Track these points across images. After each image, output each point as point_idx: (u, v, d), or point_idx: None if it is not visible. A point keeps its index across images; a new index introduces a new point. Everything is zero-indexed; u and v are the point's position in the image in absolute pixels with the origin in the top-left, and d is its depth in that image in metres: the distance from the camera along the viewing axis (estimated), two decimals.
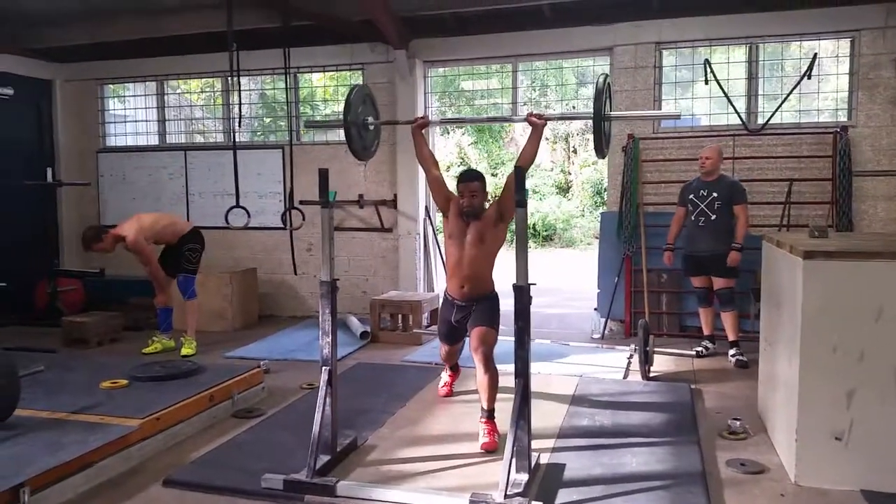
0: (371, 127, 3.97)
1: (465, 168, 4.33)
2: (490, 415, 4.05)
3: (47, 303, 7.68)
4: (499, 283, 4.26)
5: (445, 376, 4.93)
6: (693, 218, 5.84)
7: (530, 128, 4.08)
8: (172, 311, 6.53)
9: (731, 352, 5.77)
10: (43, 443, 3.53)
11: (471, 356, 4.15)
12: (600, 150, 3.79)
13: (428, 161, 4.33)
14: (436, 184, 4.27)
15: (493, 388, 4.05)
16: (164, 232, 6.30)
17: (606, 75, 3.72)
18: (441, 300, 4.49)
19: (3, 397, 3.78)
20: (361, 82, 7.73)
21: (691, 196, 5.85)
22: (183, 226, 6.48)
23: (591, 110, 3.60)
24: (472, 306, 4.16)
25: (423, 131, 4.40)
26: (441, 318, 4.45)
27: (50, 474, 3.24)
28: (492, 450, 3.84)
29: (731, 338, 5.81)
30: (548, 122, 4.15)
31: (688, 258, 5.95)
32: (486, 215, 4.09)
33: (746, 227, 5.68)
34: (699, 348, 5.99)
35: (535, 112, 4.10)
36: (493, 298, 4.21)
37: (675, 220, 6.06)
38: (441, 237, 8.09)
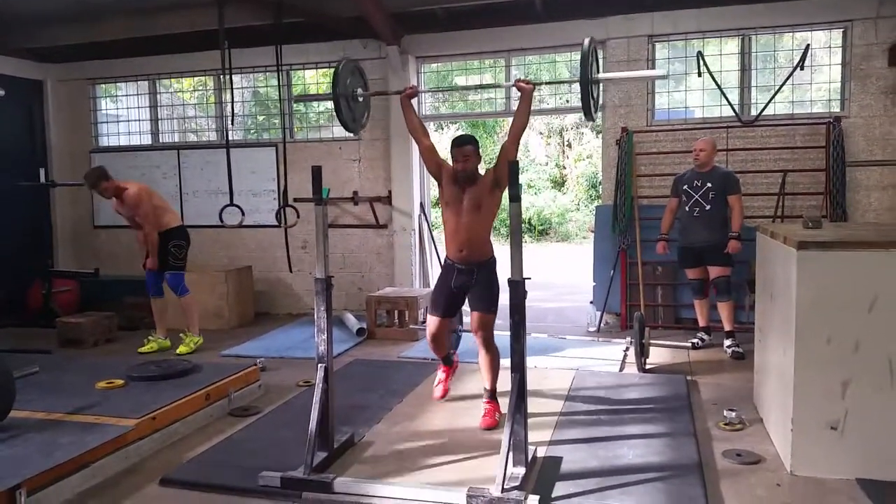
0: (360, 99, 3.94)
1: (458, 135, 4.30)
2: (492, 395, 4.18)
3: (42, 304, 7.66)
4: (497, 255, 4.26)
5: (440, 373, 4.66)
6: (687, 209, 5.83)
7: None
8: (163, 276, 6.34)
9: (727, 343, 5.79)
10: (39, 444, 3.53)
11: (473, 350, 4.17)
12: (589, 113, 3.75)
13: (418, 130, 4.25)
14: (427, 152, 4.22)
15: (495, 367, 4.17)
16: (156, 212, 6.18)
17: (592, 38, 3.67)
18: (441, 268, 4.39)
19: None
20: None
21: (685, 187, 5.85)
22: (172, 217, 6.38)
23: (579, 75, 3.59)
24: (473, 274, 4.12)
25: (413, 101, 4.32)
26: (439, 284, 4.30)
27: (46, 475, 3.23)
28: (491, 427, 3.96)
29: (727, 328, 5.83)
30: (535, 88, 4.10)
31: (683, 249, 5.96)
32: (483, 181, 4.05)
33: (742, 216, 5.71)
34: (694, 340, 6.01)
35: (523, 78, 4.11)
36: (493, 267, 4.19)
37: (667, 211, 6.06)
38: (437, 232, 8.10)
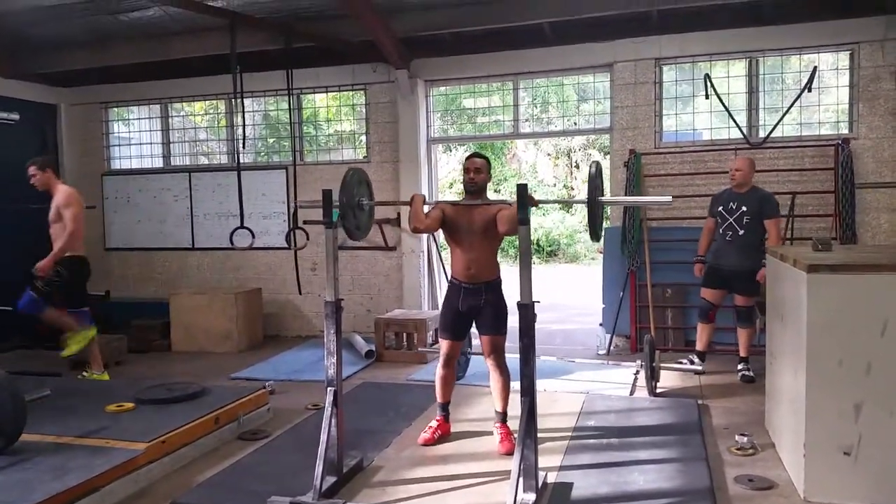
0: (365, 208, 3.98)
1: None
2: (503, 418, 4.17)
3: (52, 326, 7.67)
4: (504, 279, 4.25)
5: (434, 422, 4.39)
6: (721, 231, 5.66)
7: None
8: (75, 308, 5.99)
9: (740, 367, 5.74)
10: (49, 468, 3.54)
11: (480, 373, 4.13)
12: (594, 234, 3.61)
13: (431, 228, 4.19)
14: (436, 222, 4.15)
15: (506, 389, 4.15)
16: (71, 228, 5.85)
17: (598, 163, 3.59)
18: (446, 288, 4.34)
19: (9, 422, 3.78)
20: (364, 102, 7.80)
21: (720, 208, 5.68)
22: (77, 246, 6.00)
23: (586, 196, 3.39)
24: (481, 295, 4.09)
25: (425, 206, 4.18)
26: (446, 307, 4.26)
27: (56, 499, 3.23)
28: (511, 452, 3.82)
29: (742, 353, 5.76)
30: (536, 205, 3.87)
31: (710, 268, 5.79)
32: (488, 210, 4.05)
33: (779, 243, 5.45)
34: (685, 361, 5.94)
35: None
36: (500, 287, 4.19)
37: (704, 232, 5.89)
38: (445, 254, 8.11)
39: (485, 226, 4.03)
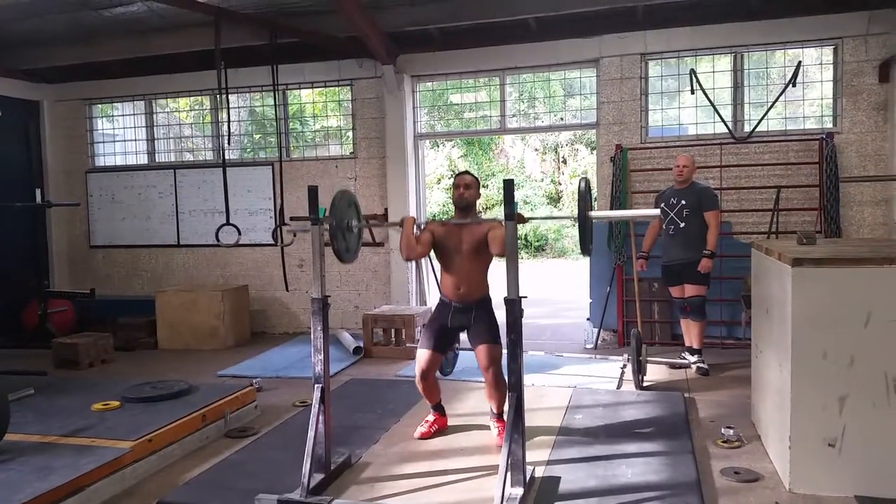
0: (355, 230, 3.96)
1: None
2: (500, 415, 4.20)
3: (37, 324, 7.63)
4: (492, 294, 4.22)
5: (430, 416, 4.41)
6: (664, 226, 5.81)
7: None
8: None
9: (693, 359, 5.77)
10: (34, 467, 3.51)
11: (469, 368, 4.13)
12: (585, 249, 3.60)
13: (422, 254, 4.22)
14: (426, 246, 4.14)
15: (503, 395, 4.10)
16: None
17: (587, 180, 3.54)
18: (435, 306, 4.38)
19: None
20: (350, 98, 7.77)
21: (662, 205, 5.80)
22: None
23: (577, 212, 3.36)
24: (471, 313, 4.13)
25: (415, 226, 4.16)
26: (432, 320, 4.27)
27: (42, 499, 3.20)
28: None
29: (694, 345, 5.78)
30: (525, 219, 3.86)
31: (664, 268, 5.92)
32: (479, 229, 4.08)
33: (717, 233, 5.60)
34: (679, 358, 5.97)
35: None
36: (489, 305, 4.20)
37: (649, 229, 6.04)
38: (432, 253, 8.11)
39: (475, 245, 4.06)
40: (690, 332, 5.79)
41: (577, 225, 3.34)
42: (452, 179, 4.25)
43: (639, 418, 4.58)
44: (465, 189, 4.12)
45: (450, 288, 4.17)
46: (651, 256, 6.01)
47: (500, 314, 3.59)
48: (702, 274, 5.59)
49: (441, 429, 4.38)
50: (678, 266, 5.74)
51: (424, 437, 4.27)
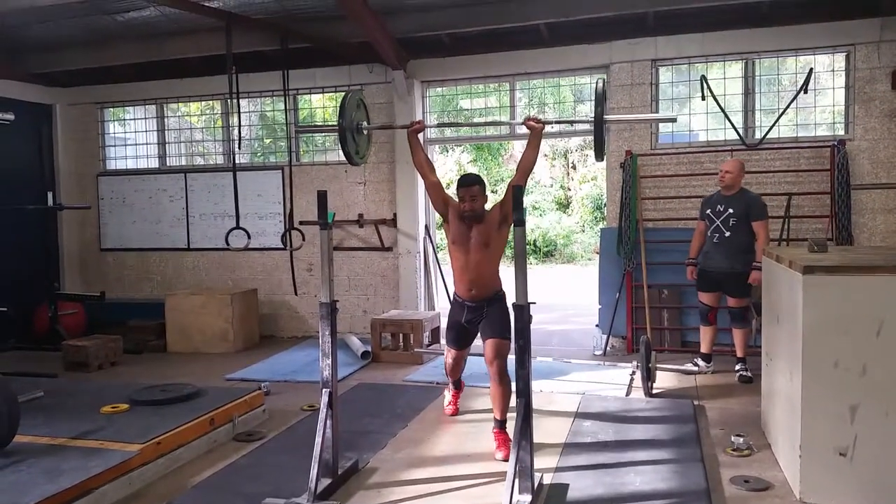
0: (364, 132, 3.95)
1: (463, 174, 4.31)
2: (502, 425, 4.14)
3: (48, 326, 7.67)
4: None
5: (449, 395, 4.88)
6: (708, 234, 5.73)
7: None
8: None
9: (738, 367, 5.74)
10: (42, 469, 3.52)
11: (477, 374, 4.15)
12: (600, 153, 3.81)
13: (424, 166, 4.32)
14: (433, 189, 4.26)
15: (506, 399, 4.12)
16: None
17: (604, 80, 3.72)
18: (450, 303, 4.46)
19: (2, 424, 3.76)
20: None
21: (708, 211, 5.73)
22: None
23: (591, 117, 3.61)
24: (484, 308, 4.18)
25: (420, 136, 4.36)
26: (450, 321, 4.39)
27: (50, 501, 3.21)
28: (507, 459, 3.81)
29: (739, 354, 5.76)
30: (545, 127, 4.17)
31: (701, 273, 5.82)
32: (489, 218, 4.09)
33: (766, 245, 5.44)
34: (689, 364, 5.95)
35: (532, 116, 4.13)
36: (502, 299, 4.21)
37: (696, 235, 5.93)
38: (441, 255, 8.11)
39: (484, 240, 4.07)
40: (735, 339, 5.74)
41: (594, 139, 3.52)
42: (456, 187, 4.16)
43: (648, 426, 4.55)
44: (471, 201, 4.04)
45: (463, 289, 4.21)
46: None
47: (509, 302, 3.60)
48: (744, 285, 5.51)
49: (460, 396, 4.88)
50: (719, 275, 5.65)
51: (454, 413, 4.75)
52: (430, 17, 6.91)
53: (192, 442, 4.21)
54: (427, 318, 6.90)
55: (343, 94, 7.91)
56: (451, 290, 4.48)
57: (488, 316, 4.18)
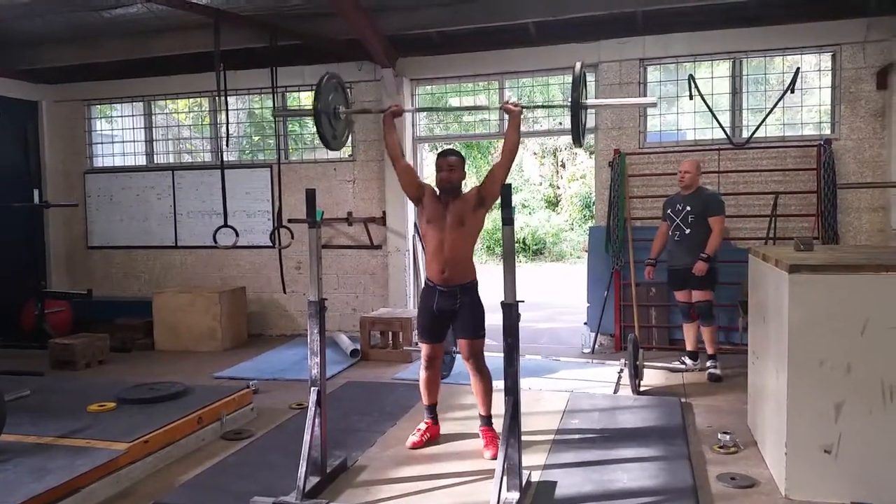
0: (342, 116, 3.88)
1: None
2: (488, 421, 4.11)
3: (34, 324, 7.61)
4: (487, 297, 4.17)
5: (423, 424, 4.32)
6: (671, 233, 5.83)
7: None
8: None
9: (708, 363, 5.77)
10: (29, 468, 3.50)
11: (465, 372, 4.12)
12: (577, 139, 3.72)
13: (395, 149, 4.18)
14: (406, 173, 4.15)
15: (488, 392, 4.10)
16: None
17: (582, 63, 3.64)
18: (422, 290, 4.28)
19: None
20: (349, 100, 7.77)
21: (669, 211, 5.86)
22: None
23: (570, 101, 3.58)
24: (456, 296, 4.01)
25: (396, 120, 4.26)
26: (422, 309, 4.19)
27: (37, 500, 3.19)
28: (496, 458, 3.78)
29: (709, 351, 5.79)
30: (523, 111, 4.13)
31: (669, 272, 5.94)
32: (467, 197, 4.01)
33: (719, 239, 5.62)
34: (676, 362, 5.98)
35: (511, 101, 4.11)
36: (476, 291, 4.09)
37: (658, 235, 6.03)
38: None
39: (459, 218, 3.94)
40: (704, 337, 5.79)
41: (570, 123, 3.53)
42: (435, 158, 4.08)
43: (635, 423, 4.57)
44: (449, 171, 3.96)
45: (434, 273, 4.03)
46: (659, 261, 6.00)
47: (496, 318, 3.54)
48: (706, 279, 5.61)
49: (433, 438, 4.28)
50: (685, 271, 5.73)
51: (416, 446, 4.17)
52: (419, 15, 6.91)
53: (179, 440, 4.20)
54: (416, 316, 6.88)
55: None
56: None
57: (460, 310, 4.02)
